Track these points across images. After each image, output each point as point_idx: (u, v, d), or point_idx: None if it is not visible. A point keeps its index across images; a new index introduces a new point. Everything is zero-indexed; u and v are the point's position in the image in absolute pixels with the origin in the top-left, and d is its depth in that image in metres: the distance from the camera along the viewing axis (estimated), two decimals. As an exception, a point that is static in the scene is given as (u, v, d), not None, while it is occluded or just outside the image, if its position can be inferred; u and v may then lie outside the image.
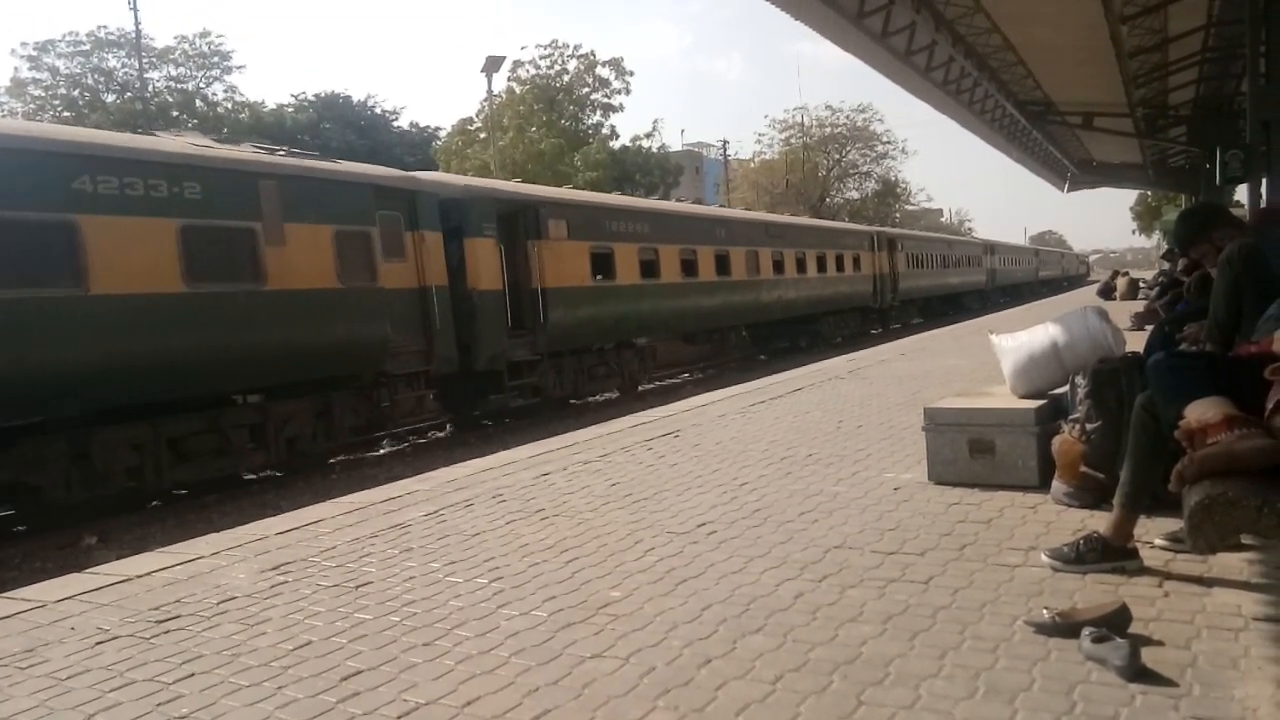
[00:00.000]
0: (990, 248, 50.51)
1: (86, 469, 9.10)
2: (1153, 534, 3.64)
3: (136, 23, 40.68)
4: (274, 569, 4.12)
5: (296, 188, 10.85)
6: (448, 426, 14.74)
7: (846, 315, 28.72)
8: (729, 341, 22.54)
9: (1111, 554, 3.31)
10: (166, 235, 9.35)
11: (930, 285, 37.59)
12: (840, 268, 28.09)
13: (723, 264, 20.99)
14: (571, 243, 15.61)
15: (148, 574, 4.16)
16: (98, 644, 3.33)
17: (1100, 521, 3.73)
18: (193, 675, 2.98)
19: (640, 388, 18.05)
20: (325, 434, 11.58)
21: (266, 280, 10.33)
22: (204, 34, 45.23)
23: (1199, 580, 3.17)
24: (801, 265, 25.35)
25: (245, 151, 11.07)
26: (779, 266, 23.91)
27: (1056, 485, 4.26)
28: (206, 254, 9.71)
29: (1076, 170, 38.18)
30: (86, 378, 8.65)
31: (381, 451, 13.14)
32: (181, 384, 9.63)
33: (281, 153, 11.89)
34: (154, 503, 10.44)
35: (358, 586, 3.78)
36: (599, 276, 16.46)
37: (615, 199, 20.70)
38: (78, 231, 8.62)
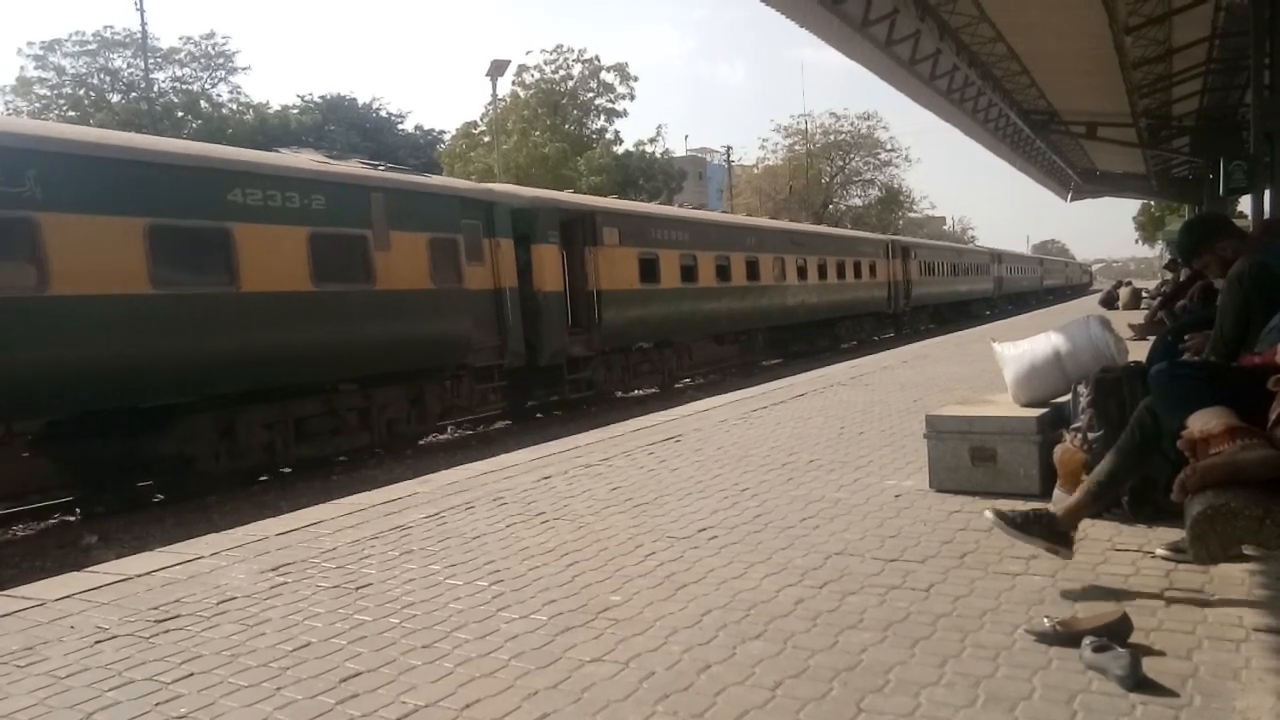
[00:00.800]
0: (997, 256, 51.80)
1: (231, 444, 10.32)
2: (1154, 544, 3.64)
3: (143, 23, 40.76)
4: (274, 570, 4.12)
5: (399, 199, 12.24)
6: (485, 421, 15.68)
7: (863, 320, 30.01)
8: (755, 343, 23.50)
9: (1051, 535, 3.29)
10: (299, 241, 10.70)
11: (941, 292, 38.89)
12: (858, 274, 29.37)
13: (752, 270, 22.26)
14: (623, 249, 16.99)
15: (147, 573, 4.16)
16: (97, 643, 3.33)
17: (1101, 530, 3.74)
18: (192, 675, 2.97)
19: (677, 384, 19.34)
20: (418, 418, 12.89)
21: (376, 281, 11.68)
22: (209, 35, 45.43)
23: (1200, 591, 3.16)
24: (823, 272, 26.66)
25: (357, 167, 12.61)
26: (802, 273, 25.25)
27: (1058, 494, 4.25)
28: (330, 258, 11.04)
29: (1080, 179, 38.21)
30: (234, 363, 9.94)
31: (447, 436, 14.44)
32: (307, 371, 10.96)
33: (382, 168, 13.24)
34: (157, 498, 10.46)
35: (358, 588, 3.78)
36: (646, 280, 17.74)
37: (661, 209, 22.54)
38: (231, 237, 9.94)
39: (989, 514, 3.41)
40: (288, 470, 11.42)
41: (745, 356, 23.08)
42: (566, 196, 17.97)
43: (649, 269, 17.90)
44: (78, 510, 10.07)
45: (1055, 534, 3.30)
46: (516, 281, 14.27)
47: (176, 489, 10.19)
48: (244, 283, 10.04)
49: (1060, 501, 4.19)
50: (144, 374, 9.18)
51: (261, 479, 11.21)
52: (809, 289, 25.66)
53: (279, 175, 10.75)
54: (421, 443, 13.27)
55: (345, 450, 11.84)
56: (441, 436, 14.25)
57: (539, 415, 15.92)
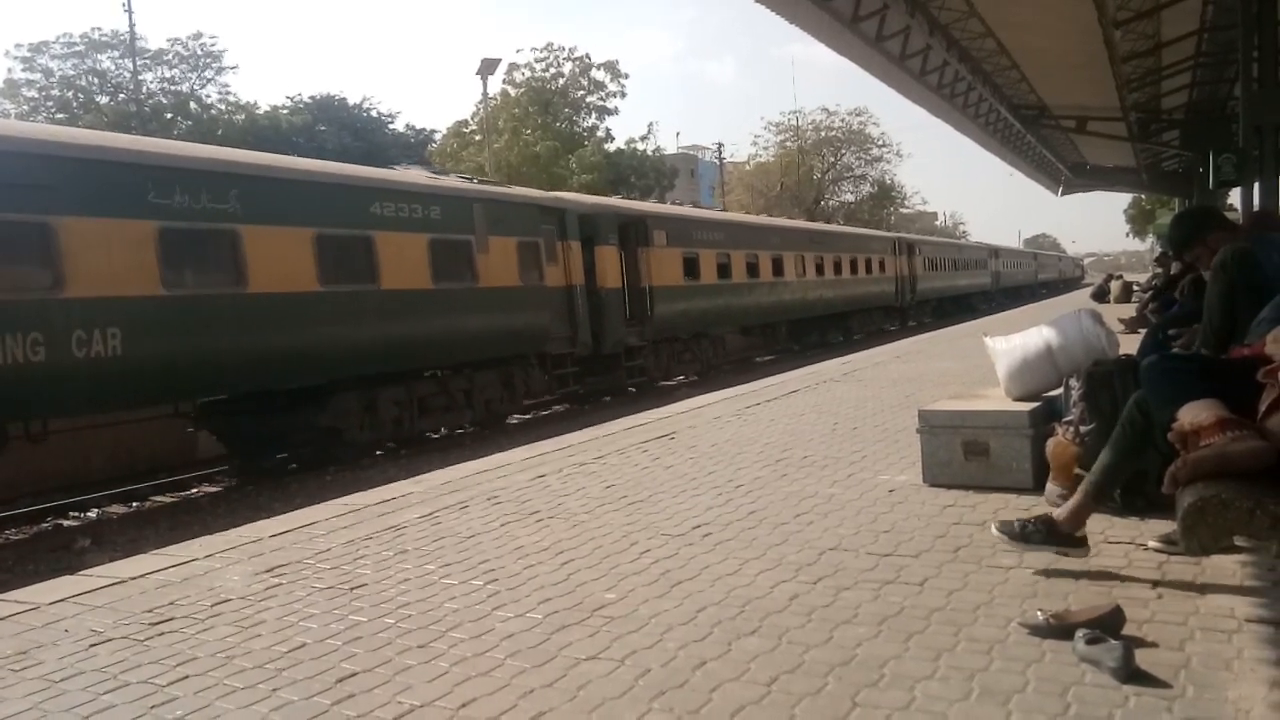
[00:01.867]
0: (994, 252, 53.76)
1: (372, 418, 12.10)
2: (1146, 536, 3.66)
3: (131, 24, 40.42)
4: (268, 571, 4.11)
5: (494, 208, 14.20)
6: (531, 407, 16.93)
7: (873, 313, 31.97)
8: (779, 334, 25.39)
9: (1057, 538, 3.32)
10: (421, 246, 12.61)
11: (943, 286, 40.62)
12: (868, 270, 31.30)
13: (777, 266, 24.16)
14: (670, 249, 18.95)
15: (141, 576, 4.15)
16: (91, 646, 3.32)
17: (1093, 523, 3.74)
18: (187, 678, 2.97)
19: (712, 371, 20.85)
20: (508, 399, 14.82)
21: (478, 280, 13.67)
22: (196, 35, 45.24)
23: (1192, 582, 3.18)
24: (838, 268, 28.50)
25: (459, 181, 14.79)
26: (820, 269, 27.09)
27: (1050, 488, 4.27)
28: (444, 260, 12.98)
29: (1070, 174, 38.35)
30: (375, 350, 11.75)
31: (528, 416, 16.05)
32: (426, 357, 12.87)
33: (477, 182, 15.52)
34: (151, 499, 10.45)
35: (352, 589, 3.77)
36: (689, 277, 19.69)
37: (701, 212, 24.52)
38: (373, 243, 11.84)
39: (993, 530, 3.46)
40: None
41: (769, 347, 24.89)
42: (622, 203, 20.62)
43: (691, 267, 19.81)
44: (71, 513, 10.06)
45: (1058, 537, 3.32)
46: (584, 279, 16.11)
47: (326, 457, 11.84)
48: (383, 281, 11.94)
49: (1052, 495, 4.22)
50: (310, 358, 10.98)
51: (371, 454, 12.54)
52: (826, 284, 27.48)
53: (406, 190, 12.75)
54: (512, 420, 15.33)
55: (454, 425, 13.91)
56: (523, 417, 15.92)
57: (586, 404, 17.28)
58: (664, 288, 18.51)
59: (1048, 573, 3.35)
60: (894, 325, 33.15)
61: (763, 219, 29.68)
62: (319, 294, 11.06)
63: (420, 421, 12.98)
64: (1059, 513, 3.37)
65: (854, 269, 29.87)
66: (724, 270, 21.28)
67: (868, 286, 31.26)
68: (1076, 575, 3.30)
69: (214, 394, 10.79)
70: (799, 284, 25.50)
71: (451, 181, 14.53)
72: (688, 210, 23.36)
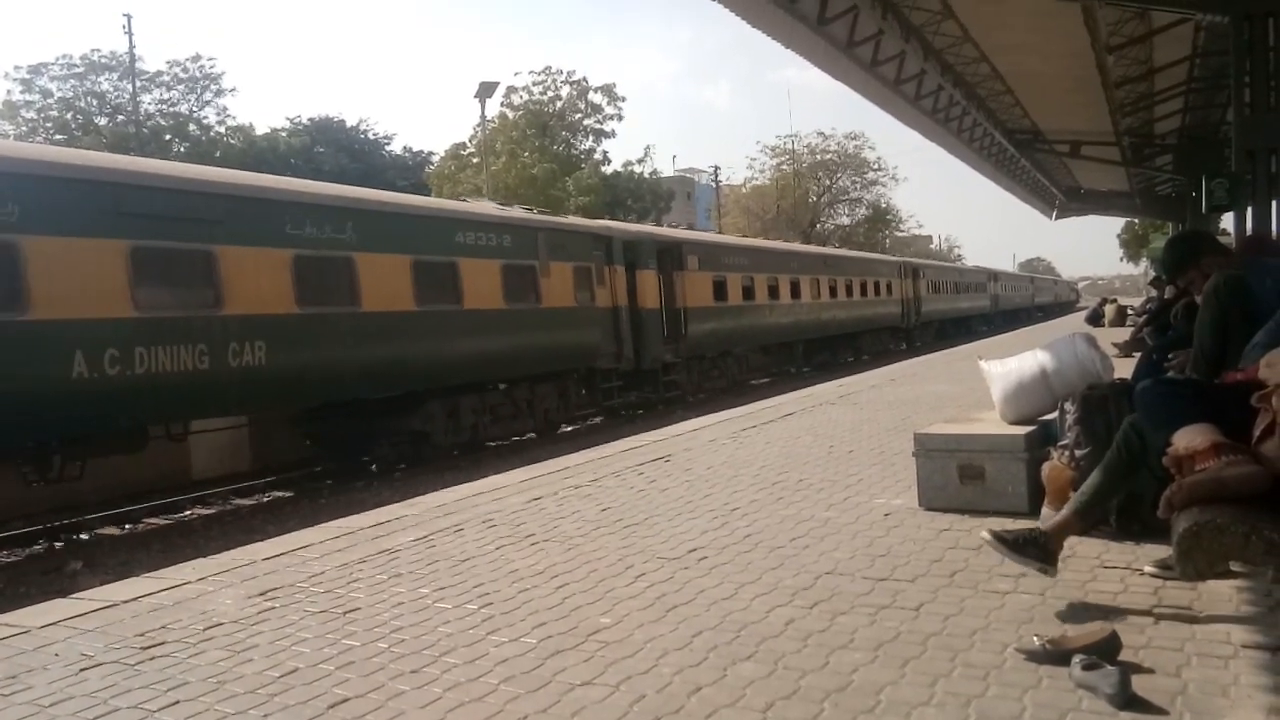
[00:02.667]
0: (993, 276, 55.60)
1: (454, 423, 13.45)
2: (1142, 561, 3.65)
3: (131, 46, 40.66)
4: (261, 595, 4.09)
5: (554, 237, 15.69)
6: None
7: (881, 333, 33.26)
8: (795, 353, 26.54)
9: (1041, 554, 3.29)
10: (496, 271, 14.11)
11: (945, 309, 42.17)
12: (877, 292, 32.69)
13: (795, 289, 25.61)
14: (701, 273, 20.34)
15: (133, 599, 4.12)
16: (82, 670, 3.29)
17: (1089, 547, 3.74)
18: (178, 703, 2.94)
19: (736, 386, 22.08)
20: (563, 408, 16.04)
21: (541, 301, 15.01)
22: (195, 58, 45.50)
23: (1188, 607, 3.17)
24: (849, 290, 29.93)
25: (525, 212, 16.46)
26: (833, 291, 28.56)
27: (1046, 511, 4.25)
28: (514, 283, 14.38)
29: (1064, 198, 38.55)
30: (458, 363, 13.16)
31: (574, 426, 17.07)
32: (498, 370, 14.27)
33: (538, 212, 17.18)
34: (143, 522, 10.39)
35: (345, 612, 3.75)
36: (717, 299, 21.02)
37: (728, 239, 27.05)
38: (458, 269, 13.32)
39: (985, 534, 3.41)
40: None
41: (786, 365, 26.11)
42: (661, 230, 22.47)
43: (720, 289, 21.14)
44: (62, 536, 9.99)
45: (1047, 553, 3.31)
46: (627, 300, 17.50)
47: (414, 458, 13.13)
48: (466, 302, 13.41)
49: (1048, 519, 4.21)
50: (408, 369, 12.30)
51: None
52: (838, 305, 28.94)
53: (484, 221, 14.25)
54: (567, 429, 16.54)
55: (519, 433, 15.15)
56: (574, 426, 17.02)
57: (622, 416, 18.16)
58: (696, 308, 19.86)
59: (1045, 597, 3.34)
60: (900, 346, 34.21)
61: (783, 244, 31.13)
62: (416, 313, 12.50)
63: (492, 428, 14.35)
64: (1049, 527, 3.36)
65: (864, 291, 31.26)
66: (748, 293, 22.68)
67: (876, 308, 32.60)
68: (1073, 600, 3.29)
69: (333, 399, 11.82)
70: (814, 305, 26.99)
71: (519, 213, 16.17)
72: (717, 236, 25.69)
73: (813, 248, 34.37)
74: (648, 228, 21.82)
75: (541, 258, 15.14)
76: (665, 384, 18.87)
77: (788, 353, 26.07)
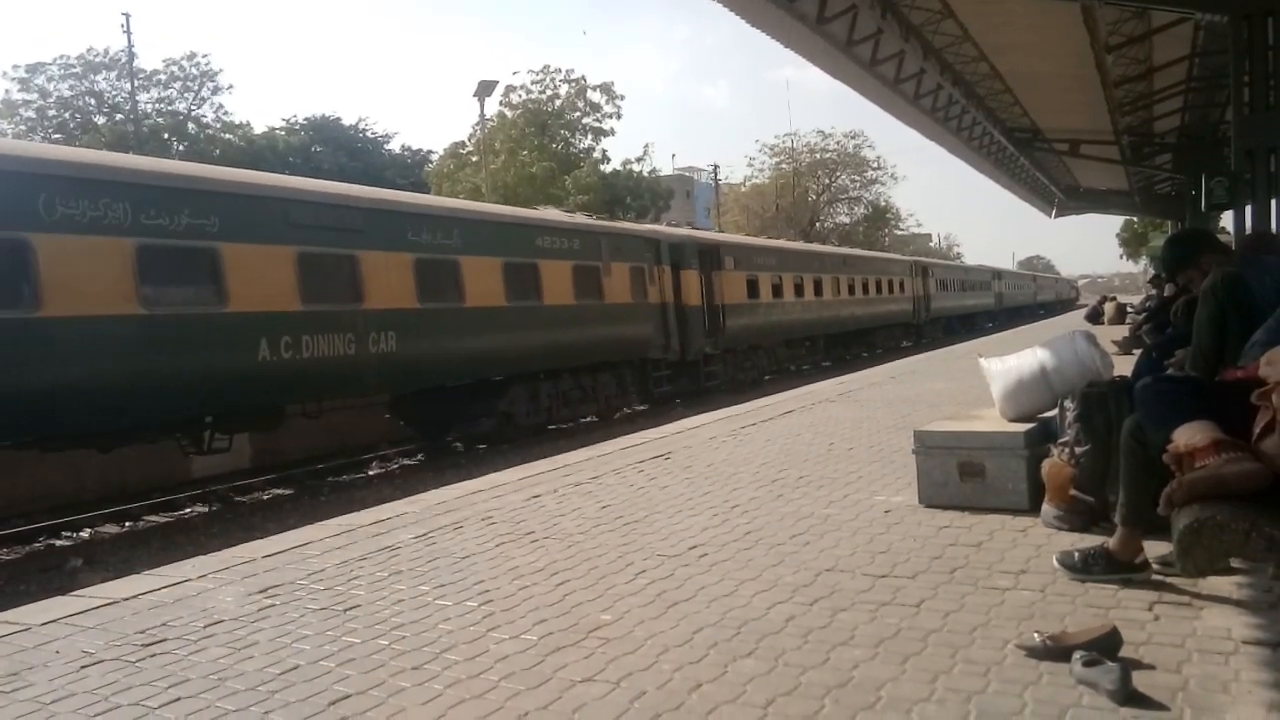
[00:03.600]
0: (997, 274, 57.27)
1: (534, 406, 15.22)
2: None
3: (129, 45, 40.57)
4: (261, 592, 4.09)
5: (614, 240, 17.62)
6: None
7: (893, 329, 34.94)
8: (817, 348, 28.14)
9: (1116, 567, 3.39)
10: (568, 271, 15.87)
11: (953, 306, 43.85)
12: (891, 290, 34.44)
13: (818, 287, 27.34)
14: (737, 272, 22.12)
15: (134, 596, 4.12)
16: (83, 668, 3.29)
17: (1090, 544, 3.74)
18: (179, 699, 2.95)
19: (766, 378, 23.73)
20: (620, 395, 17.80)
21: (604, 298, 16.78)
22: (190, 56, 45.43)
23: (1189, 604, 3.17)
24: (865, 288, 31.66)
25: (587, 218, 18.71)
26: (851, 289, 30.25)
27: (1046, 508, 4.27)
28: (582, 281, 16.17)
29: (1064, 196, 38.54)
30: (538, 352, 14.95)
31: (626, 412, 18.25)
32: (568, 359, 15.90)
33: (599, 218, 20.21)
34: (144, 519, 10.39)
35: (346, 610, 3.75)
36: (751, 296, 22.78)
37: (759, 241, 29.46)
38: (538, 269, 15.10)
39: (1054, 562, 3.57)
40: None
41: (808, 359, 27.72)
42: (701, 234, 24.17)
43: (752, 288, 22.91)
44: (63, 533, 9.99)
45: (1118, 566, 3.40)
46: (674, 297, 19.19)
47: (499, 437, 14.72)
48: (545, 299, 15.19)
49: (1048, 516, 4.22)
50: (500, 358, 14.13)
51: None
52: (856, 302, 30.68)
53: (559, 227, 16.15)
54: (624, 412, 18.08)
55: (584, 415, 16.93)
56: (626, 411, 18.43)
57: (662, 403, 19.39)
58: (732, 305, 21.61)
59: (1045, 594, 3.35)
60: (910, 342, 35.43)
61: (807, 246, 33.46)
62: (506, 308, 14.31)
63: (563, 411, 16.08)
64: (1112, 544, 3.43)
65: (879, 289, 32.97)
66: (776, 290, 24.48)
67: (890, 305, 34.30)
68: (1073, 597, 3.30)
69: (445, 382, 13.52)
70: (835, 303, 28.76)
71: (585, 219, 18.49)
72: (750, 239, 27.97)
73: (833, 248, 36.12)
74: (690, 231, 23.52)
75: (604, 259, 17.00)
76: (705, 374, 20.58)
77: (810, 347, 27.64)
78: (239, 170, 13.19)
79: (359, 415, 14.55)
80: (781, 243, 30.79)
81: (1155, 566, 3.51)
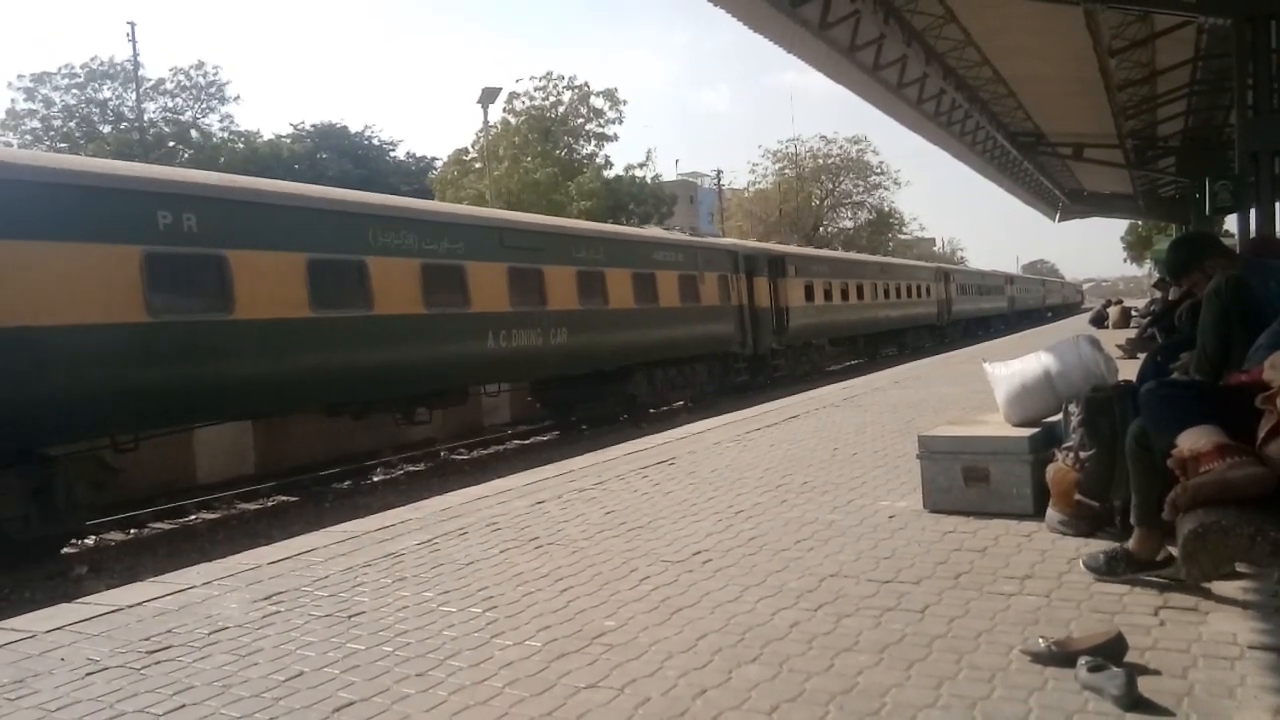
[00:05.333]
0: (1010, 279, 60.67)
1: (652, 389, 18.19)
2: (1148, 562, 3.64)
3: (135, 54, 40.78)
4: (266, 599, 4.09)
5: (706, 253, 21.01)
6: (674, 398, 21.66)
7: (919, 331, 37.54)
8: (857, 346, 31.52)
9: (1140, 566, 3.43)
10: (675, 279, 19.00)
11: (971, 309, 46.68)
12: (918, 294, 37.45)
13: (859, 292, 30.21)
14: (797, 279, 25.11)
15: (139, 604, 4.13)
16: (88, 675, 3.30)
17: (1096, 549, 3.73)
18: (184, 706, 2.95)
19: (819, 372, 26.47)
20: (710, 382, 20.60)
21: (700, 301, 19.88)
22: (198, 65, 45.60)
23: (1194, 609, 3.17)
24: (898, 292, 34.72)
25: (683, 235, 22.68)
26: (885, 294, 33.12)
27: (1051, 513, 4.26)
28: (685, 287, 19.29)
29: (1068, 200, 38.52)
30: (655, 345, 17.97)
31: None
32: (674, 350, 18.79)
33: (688, 234, 24.18)
34: (149, 526, 10.40)
35: (350, 616, 3.75)
36: (807, 300, 25.75)
37: (815, 251, 33.33)
38: (656, 279, 18.24)
39: (1081, 565, 3.60)
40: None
41: (849, 357, 31.05)
42: (770, 246, 27.84)
43: (809, 292, 25.94)
44: (69, 540, 10.00)
45: (1141, 565, 3.43)
46: (748, 300, 22.18)
47: (627, 414, 17.75)
48: (660, 301, 18.32)
49: (1053, 521, 4.21)
50: (630, 349, 17.22)
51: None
52: (890, 305, 33.65)
53: (669, 243, 19.99)
54: (710, 391, 20.71)
55: (682, 400, 19.64)
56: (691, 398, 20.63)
57: (727, 393, 21.67)
58: (794, 308, 24.61)
59: (1050, 599, 3.34)
60: (933, 342, 37.54)
61: (851, 255, 37.10)
62: (635, 310, 17.46)
63: (669, 394, 19.17)
64: (1132, 545, 3.46)
65: (909, 293, 36.05)
66: (827, 295, 27.52)
67: (918, 308, 37.37)
68: (1079, 602, 3.29)
69: (596, 368, 16.48)
70: (873, 305, 31.66)
71: (683, 236, 22.38)
72: (808, 250, 31.89)
73: (872, 257, 38.62)
74: (761, 244, 27.82)
75: (700, 268, 20.17)
76: (772, 367, 23.71)
77: (851, 346, 31.10)
78: (472, 208, 19.06)
79: (510, 397, 17.94)
80: (831, 252, 34.66)
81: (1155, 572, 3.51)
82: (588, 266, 16.27)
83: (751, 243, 27.03)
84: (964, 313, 44.50)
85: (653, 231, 21.80)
